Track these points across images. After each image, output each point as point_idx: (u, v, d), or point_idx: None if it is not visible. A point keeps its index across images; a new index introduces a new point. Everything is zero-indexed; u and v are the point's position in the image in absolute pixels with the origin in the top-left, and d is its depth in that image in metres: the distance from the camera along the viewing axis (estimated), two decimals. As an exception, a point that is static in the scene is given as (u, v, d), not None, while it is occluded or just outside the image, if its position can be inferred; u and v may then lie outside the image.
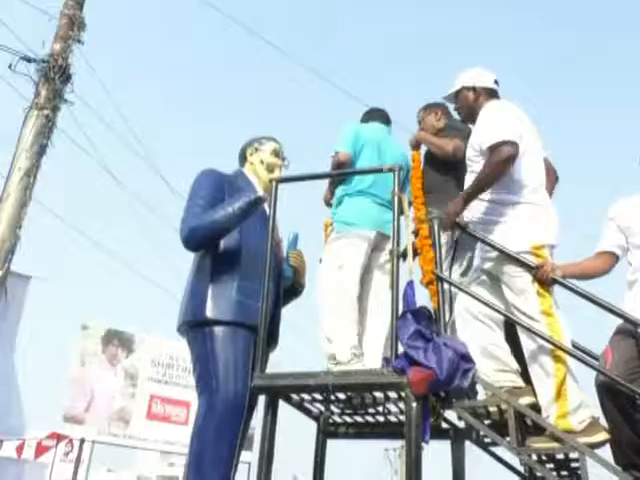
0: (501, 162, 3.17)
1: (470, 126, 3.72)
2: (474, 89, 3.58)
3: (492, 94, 3.57)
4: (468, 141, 3.53)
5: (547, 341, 2.98)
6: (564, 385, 2.95)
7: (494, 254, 3.24)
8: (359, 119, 4.23)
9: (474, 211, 3.38)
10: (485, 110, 3.44)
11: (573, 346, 3.42)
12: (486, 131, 3.30)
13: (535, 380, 3.07)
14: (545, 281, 3.08)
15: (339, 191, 3.89)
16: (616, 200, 3.48)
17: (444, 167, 3.87)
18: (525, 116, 3.44)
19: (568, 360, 2.99)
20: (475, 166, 3.38)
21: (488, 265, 3.30)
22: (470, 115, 3.60)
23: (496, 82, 3.62)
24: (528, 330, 3.04)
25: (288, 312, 3.60)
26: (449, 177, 3.85)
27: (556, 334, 2.99)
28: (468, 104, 3.60)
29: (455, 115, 3.95)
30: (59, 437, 14.81)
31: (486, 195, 3.32)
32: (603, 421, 3.01)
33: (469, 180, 3.40)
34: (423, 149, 4.05)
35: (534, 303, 3.10)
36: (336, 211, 3.85)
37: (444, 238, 3.57)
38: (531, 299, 3.11)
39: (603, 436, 2.92)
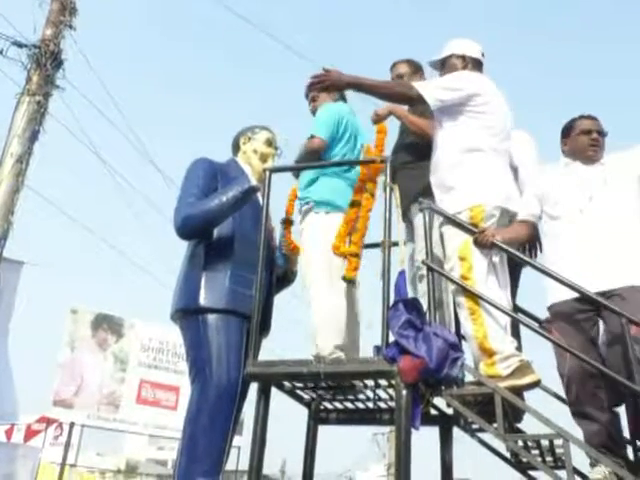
0: (399, 94, 3.45)
1: None
2: (464, 57, 3.61)
3: (478, 66, 3.62)
4: None
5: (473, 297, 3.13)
6: (486, 344, 3.07)
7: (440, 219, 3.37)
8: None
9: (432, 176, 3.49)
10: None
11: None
12: None
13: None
14: (484, 245, 3.16)
15: (313, 170, 3.77)
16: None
17: (413, 145, 3.80)
18: (494, 89, 3.49)
19: (489, 319, 3.10)
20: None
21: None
22: None
23: (482, 55, 3.66)
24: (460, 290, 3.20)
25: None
26: (418, 157, 3.74)
27: (471, 297, 3.13)
28: (454, 70, 3.59)
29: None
30: (49, 421, 14.83)
31: (440, 158, 3.44)
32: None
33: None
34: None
35: (456, 267, 3.22)
36: (311, 189, 3.71)
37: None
38: (454, 262, 3.24)
39: (531, 378, 3.03)
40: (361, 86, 3.42)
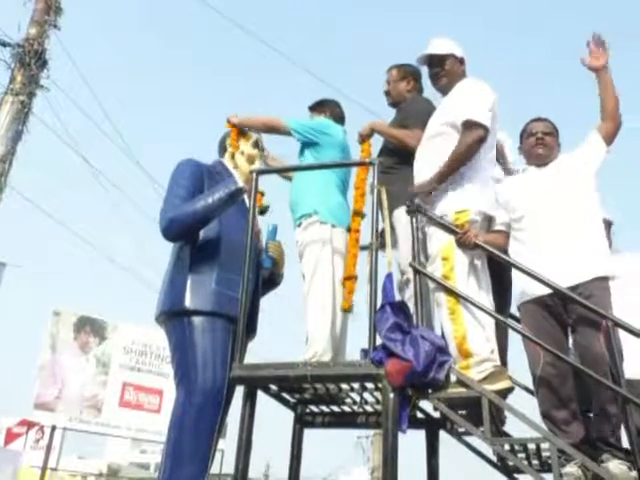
0: (476, 142, 3.27)
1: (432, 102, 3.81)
2: (461, 61, 3.60)
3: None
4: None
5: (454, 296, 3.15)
6: (464, 345, 3.09)
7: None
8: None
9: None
10: (465, 86, 3.47)
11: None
12: (467, 106, 3.34)
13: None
14: (468, 245, 3.18)
15: (320, 178, 3.71)
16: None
17: (397, 149, 3.76)
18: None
19: (469, 319, 3.11)
20: (440, 139, 3.42)
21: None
22: (450, 85, 3.54)
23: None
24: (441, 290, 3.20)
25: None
26: (401, 161, 3.72)
27: (452, 297, 3.15)
28: (456, 74, 3.56)
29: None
30: (30, 424, 14.70)
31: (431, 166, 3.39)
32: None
33: (427, 151, 3.46)
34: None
35: (438, 267, 3.24)
36: (320, 198, 3.66)
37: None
38: (437, 263, 3.25)
39: (504, 385, 3.04)
40: (446, 174, 3.32)
